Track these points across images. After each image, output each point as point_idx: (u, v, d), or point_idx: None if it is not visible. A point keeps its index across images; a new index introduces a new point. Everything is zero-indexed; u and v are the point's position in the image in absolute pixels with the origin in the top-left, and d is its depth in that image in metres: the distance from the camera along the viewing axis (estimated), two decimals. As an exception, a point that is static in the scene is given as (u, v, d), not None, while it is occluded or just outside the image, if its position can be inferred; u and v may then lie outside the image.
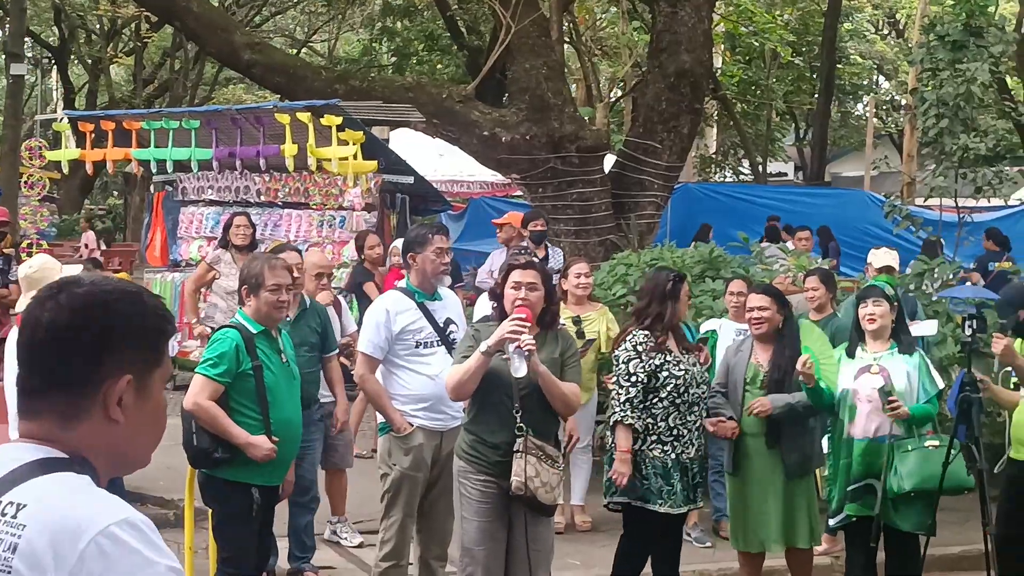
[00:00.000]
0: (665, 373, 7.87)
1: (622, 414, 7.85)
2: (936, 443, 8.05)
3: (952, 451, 7.92)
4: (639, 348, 7.93)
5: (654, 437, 7.89)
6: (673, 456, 7.89)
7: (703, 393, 8.07)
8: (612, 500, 8.08)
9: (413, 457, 7.78)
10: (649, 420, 7.89)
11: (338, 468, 9.85)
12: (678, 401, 7.90)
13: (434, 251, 7.85)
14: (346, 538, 9.92)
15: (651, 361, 7.88)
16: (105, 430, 2.51)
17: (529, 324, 6.76)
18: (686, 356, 8.06)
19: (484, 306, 9.22)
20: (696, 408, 8.00)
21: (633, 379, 7.86)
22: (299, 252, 9.41)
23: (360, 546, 9.75)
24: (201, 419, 7.14)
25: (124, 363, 2.50)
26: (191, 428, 7.19)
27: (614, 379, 8.09)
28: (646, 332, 8.01)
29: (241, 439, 7.12)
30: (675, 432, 7.91)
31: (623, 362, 7.96)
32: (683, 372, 7.91)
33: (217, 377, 7.14)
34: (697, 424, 8.02)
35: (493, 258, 13.74)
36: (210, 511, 7.68)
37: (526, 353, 6.67)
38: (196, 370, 7.29)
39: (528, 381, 6.81)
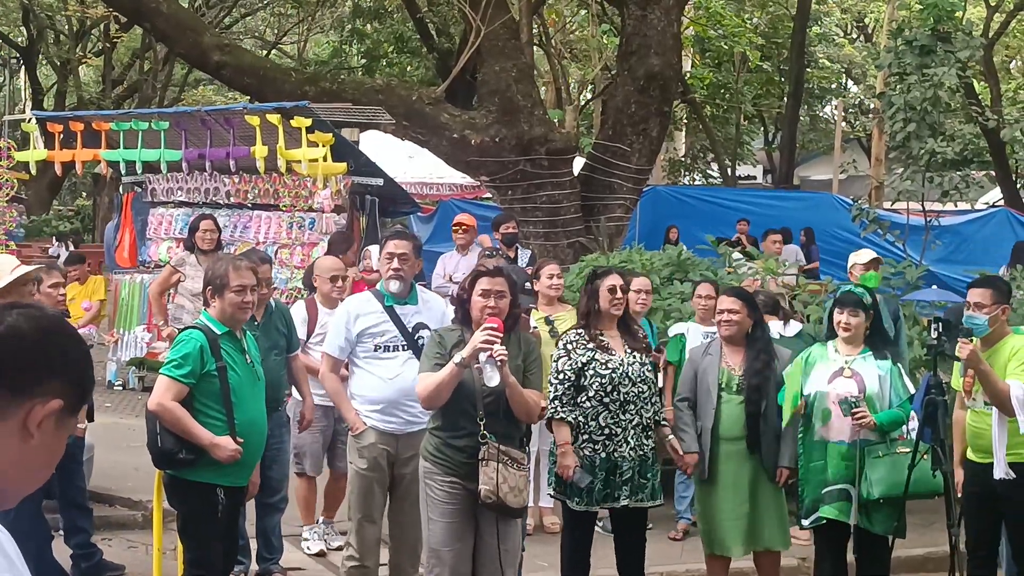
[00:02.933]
0: (591, 371, 7.86)
1: (552, 411, 7.86)
2: (907, 450, 8.08)
3: (917, 454, 7.96)
4: (568, 347, 7.95)
5: (585, 436, 7.88)
6: (604, 455, 7.86)
7: (643, 392, 7.98)
8: (551, 492, 8.17)
9: (367, 457, 7.86)
10: (580, 418, 7.89)
11: (341, 472, 9.76)
12: (606, 400, 7.86)
13: (385, 255, 7.94)
14: (327, 540, 9.89)
15: (578, 359, 7.89)
16: (6, 447, 2.51)
17: (501, 334, 6.76)
18: (629, 354, 8.01)
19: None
20: (632, 406, 7.91)
21: (560, 376, 7.89)
22: (268, 260, 9.41)
23: (338, 549, 9.72)
24: (165, 420, 7.11)
25: (58, 391, 2.53)
26: (155, 429, 7.16)
27: (549, 377, 8.10)
28: (578, 331, 8.05)
29: (205, 440, 7.10)
30: (607, 431, 7.87)
31: (554, 360, 8.01)
32: (610, 371, 7.86)
33: (181, 378, 7.12)
34: (635, 422, 7.94)
35: (445, 261, 13.70)
36: (176, 512, 7.66)
37: (498, 363, 6.69)
38: (160, 371, 7.27)
39: (493, 388, 6.84)
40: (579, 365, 7.88)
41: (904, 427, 8.40)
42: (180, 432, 7.11)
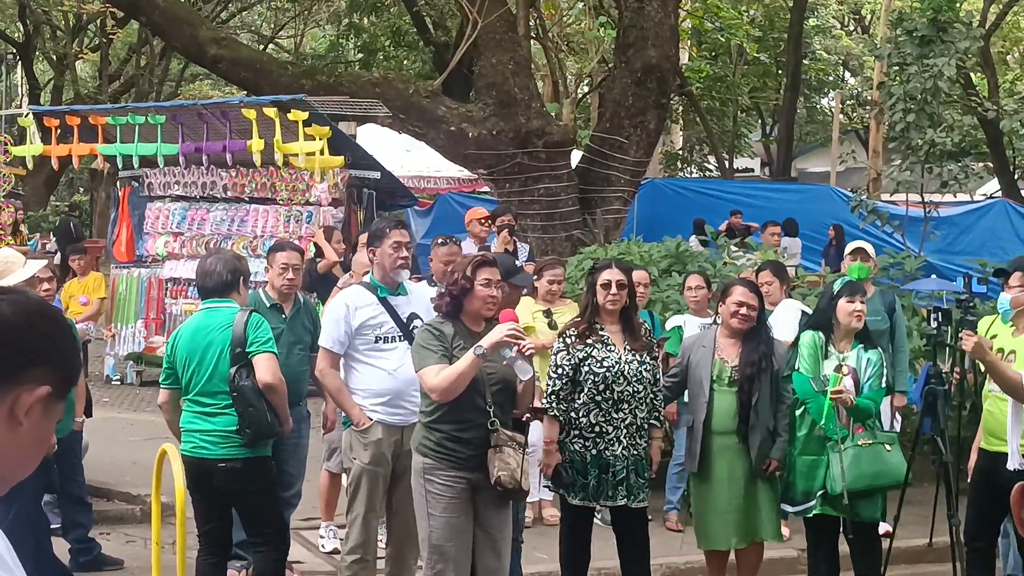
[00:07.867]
0: (586, 368, 7.83)
1: (547, 405, 7.83)
2: (869, 441, 8.02)
3: (889, 447, 7.97)
4: (568, 341, 7.92)
5: (576, 432, 7.85)
6: (594, 452, 7.83)
7: (637, 392, 7.92)
8: (543, 486, 8.13)
9: (372, 452, 7.74)
10: (572, 414, 7.86)
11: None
12: (599, 398, 7.82)
13: (391, 245, 7.81)
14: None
15: (576, 354, 7.86)
16: None
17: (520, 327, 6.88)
18: (628, 352, 7.96)
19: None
20: (626, 405, 7.87)
21: (559, 371, 7.86)
22: (299, 251, 9.32)
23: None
24: (279, 394, 7.43)
25: (46, 377, 2.50)
26: (265, 406, 7.38)
27: (547, 371, 8.09)
28: (578, 324, 8.03)
29: (287, 413, 7.57)
30: (597, 429, 7.83)
31: (553, 354, 8.01)
32: (604, 369, 7.83)
33: (277, 355, 7.53)
34: (628, 421, 7.89)
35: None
36: (235, 497, 7.65)
37: (528, 355, 6.75)
38: (261, 349, 7.41)
39: (499, 377, 6.87)
40: (577, 360, 7.85)
41: (873, 418, 8.33)
42: (280, 407, 7.47)
